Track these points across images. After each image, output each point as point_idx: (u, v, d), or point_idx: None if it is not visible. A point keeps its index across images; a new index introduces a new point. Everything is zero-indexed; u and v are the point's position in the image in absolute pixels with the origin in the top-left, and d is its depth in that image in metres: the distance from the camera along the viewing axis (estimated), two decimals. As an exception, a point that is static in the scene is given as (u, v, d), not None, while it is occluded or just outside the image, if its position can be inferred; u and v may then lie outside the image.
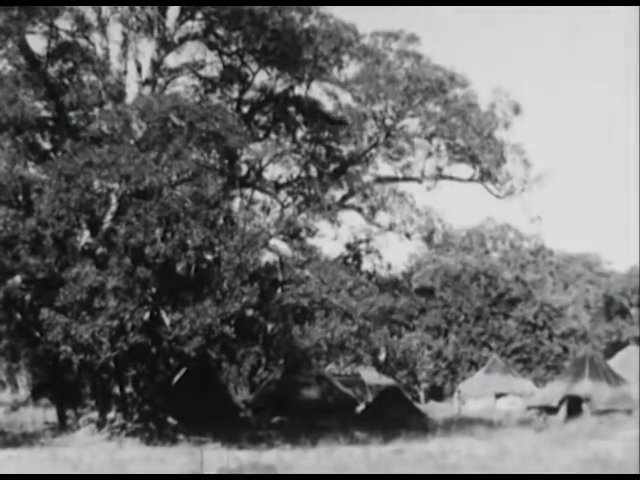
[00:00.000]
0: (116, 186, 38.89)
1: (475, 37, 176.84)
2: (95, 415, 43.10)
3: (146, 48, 44.30)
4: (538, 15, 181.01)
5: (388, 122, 50.86)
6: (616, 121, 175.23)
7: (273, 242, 44.32)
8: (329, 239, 47.81)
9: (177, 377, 45.41)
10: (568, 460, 31.18)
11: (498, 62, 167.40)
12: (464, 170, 52.21)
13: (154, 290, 38.72)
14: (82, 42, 44.20)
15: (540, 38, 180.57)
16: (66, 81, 44.71)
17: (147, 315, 38.94)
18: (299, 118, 48.74)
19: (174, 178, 38.81)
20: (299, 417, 51.72)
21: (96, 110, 42.90)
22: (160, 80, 45.48)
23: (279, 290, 44.35)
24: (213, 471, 28.72)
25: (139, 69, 44.66)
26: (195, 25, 44.65)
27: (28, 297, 41.29)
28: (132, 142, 39.40)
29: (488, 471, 28.91)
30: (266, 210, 45.26)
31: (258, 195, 47.35)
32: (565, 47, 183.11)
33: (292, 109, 48.44)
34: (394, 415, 53.19)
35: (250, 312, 40.93)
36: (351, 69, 49.42)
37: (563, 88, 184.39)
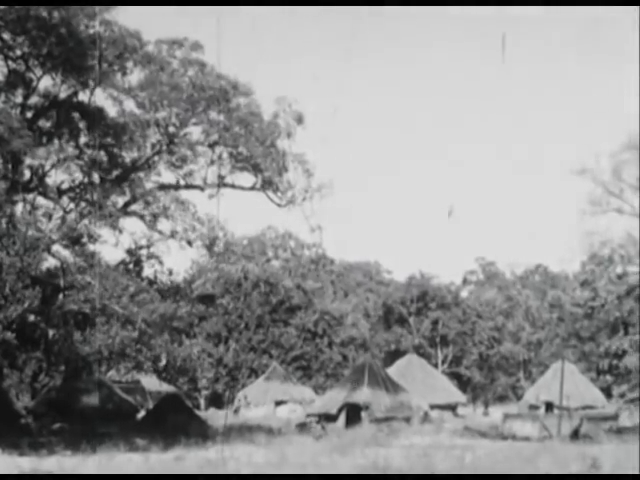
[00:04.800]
0: None
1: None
2: None
3: None
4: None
5: (171, 129, 52.22)
6: (401, 131, 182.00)
7: (55, 248, 44.91)
8: (111, 245, 48.92)
9: (-42, 383, 45.44)
10: (347, 467, 32.78)
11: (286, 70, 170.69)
12: (246, 178, 54.06)
13: None
14: None
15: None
16: None
17: None
18: (82, 124, 49.18)
19: (-43, 182, 39.23)
20: (79, 423, 51.89)
21: None
22: (-56, 84, 45.20)
23: (61, 296, 45.04)
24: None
25: None
26: (-20, 29, 44.57)
27: None
28: None
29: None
30: (48, 216, 45.57)
31: (41, 200, 47.84)
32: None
33: (76, 115, 48.89)
34: (174, 422, 53.73)
35: (32, 318, 41.80)
36: (135, 76, 50.55)
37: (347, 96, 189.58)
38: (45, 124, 48.86)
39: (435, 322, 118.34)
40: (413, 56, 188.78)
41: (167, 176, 53.68)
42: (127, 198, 51.20)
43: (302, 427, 59.27)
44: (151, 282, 50.54)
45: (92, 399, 57.33)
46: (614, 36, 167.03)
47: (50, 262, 45.39)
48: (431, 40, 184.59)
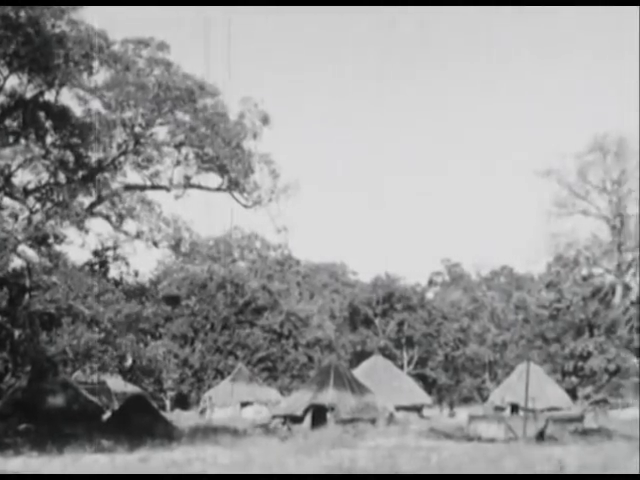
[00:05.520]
0: None
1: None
2: None
3: None
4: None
5: (137, 129, 52.13)
6: (371, 133, 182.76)
7: (21, 248, 44.75)
8: (77, 246, 49.00)
9: None
10: (313, 468, 33.16)
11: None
12: (212, 179, 54.16)
13: None
14: None
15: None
16: None
17: None
18: (49, 124, 49.01)
19: None
20: (45, 424, 51.79)
21: None
22: None
23: (26, 296, 45.21)
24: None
25: None
26: (-53, 29, 44.19)
27: None
28: None
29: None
30: (14, 216, 45.61)
31: (7, 201, 47.73)
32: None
33: (42, 114, 48.69)
34: (140, 423, 53.69)
35: (-2, 318, 41.87)
36: (101, 75, 50.35)
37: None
38: (11, 124, 48.59)
39: (401, 323, 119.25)
40: (384, 59, 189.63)
41: (133, 176, 53.69)
42: (93, 199, 51.10)
43: (264, 428, 59.50)
44: (117, 283, 50.61)
45: (58, 400, 57.14)
46: (583, 35, 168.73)
47: (16, 262, 45.66)
48: (400, 43, 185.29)
